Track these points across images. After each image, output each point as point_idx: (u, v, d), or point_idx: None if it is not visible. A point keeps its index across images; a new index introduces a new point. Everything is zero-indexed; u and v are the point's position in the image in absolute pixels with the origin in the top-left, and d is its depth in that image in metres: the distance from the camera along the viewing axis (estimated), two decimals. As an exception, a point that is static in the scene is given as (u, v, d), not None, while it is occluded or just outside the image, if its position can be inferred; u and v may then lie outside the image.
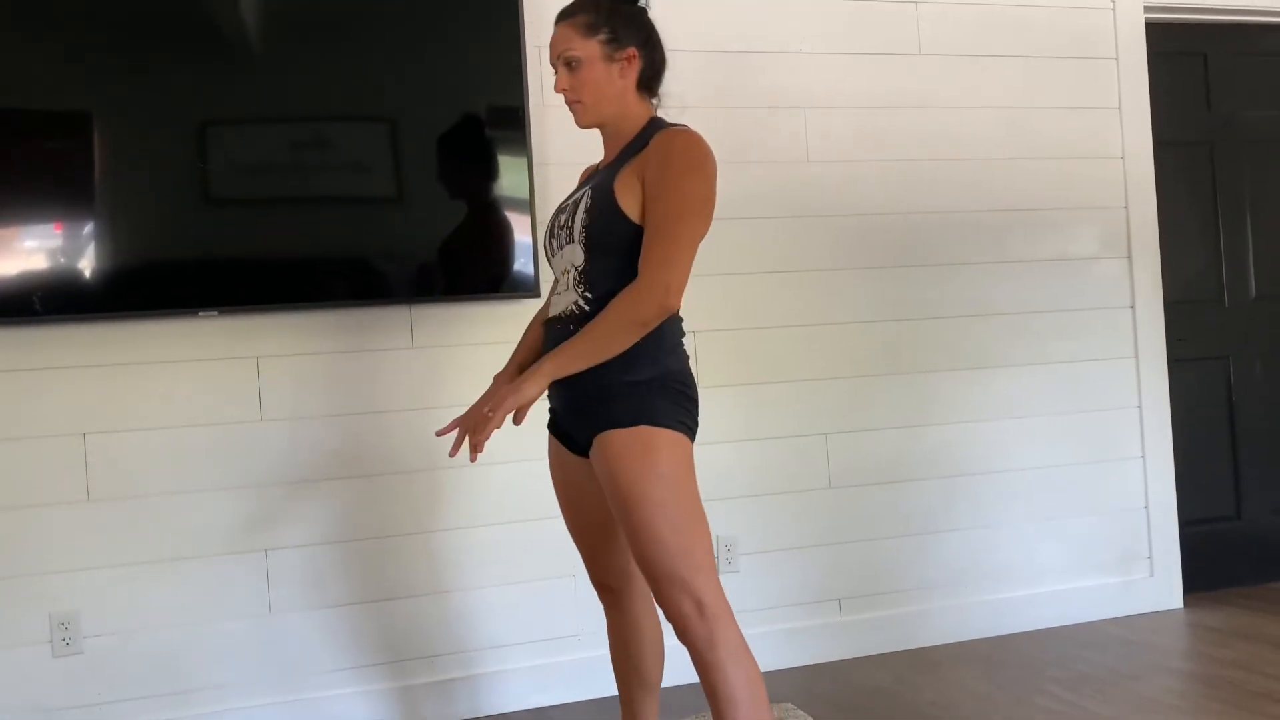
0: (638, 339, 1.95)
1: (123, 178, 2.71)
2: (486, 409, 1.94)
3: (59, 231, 2.67)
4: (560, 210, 2.15)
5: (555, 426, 2.21)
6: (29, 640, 2.71)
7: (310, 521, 2.91)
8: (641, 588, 2.28)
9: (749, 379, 3.27)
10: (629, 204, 1.99)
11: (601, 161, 2.20)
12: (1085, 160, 3.62)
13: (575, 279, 2.05)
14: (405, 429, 2.98)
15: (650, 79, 2.13)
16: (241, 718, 2.84)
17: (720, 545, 3.21)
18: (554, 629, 3.09)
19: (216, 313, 2.80)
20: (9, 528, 2.71)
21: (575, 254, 2.05)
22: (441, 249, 2.94)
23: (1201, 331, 3.85)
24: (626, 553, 2.24)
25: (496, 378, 2.23)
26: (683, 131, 2.04)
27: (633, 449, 1.96)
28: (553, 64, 2.12)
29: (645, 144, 2.04)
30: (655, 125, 2.10)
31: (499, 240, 2.98)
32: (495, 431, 1.92)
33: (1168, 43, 3.80)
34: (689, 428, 2.04)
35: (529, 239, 2.98)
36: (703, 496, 2.05)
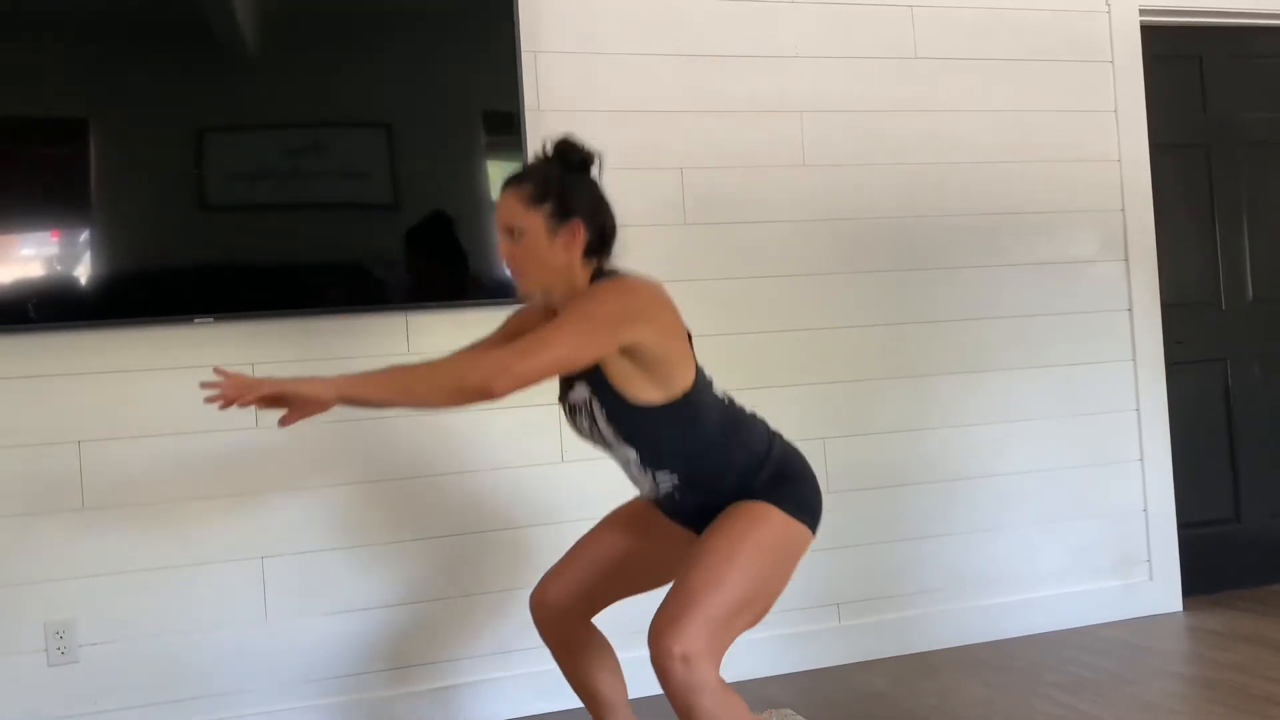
0: (447, 405, 1.90)
1: (119, 184, 2.71)
2: (269, 380, 1.87)
3: (55, 239, 2.67)
4: (573, 410, 2.10)
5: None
6: (24, 649, 2.70)
7: (306, 528, 2.91)
8: (588, 618, 2.31)
9: (746, 383, 3.26)
10: (628, 384, 1.98)
11: (545, 306, 2.16)
12: (1081, 163, 3.62)
13: (642, 468, 2.08)
14: (401, 435, 2.98)
15: (599, 247, 2.07)
16: (238, 726, 2.83)
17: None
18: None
19: (212, 319, 2.80)
20: (4, 536, 2.70)
21: (627, 452, 2.07)
22: (438, 255, 2.93)
23: (1199, 334, 3.85)
24: (610, 602, 2.30)
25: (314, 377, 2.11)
26: (615, 278, 2.01)
27: (751, 513, 2.00)
28: (497, 229, 2.08)
29: None
30: (597, 279, 2.06)
31: (495, 246, 2.97)
32: (260, 404, 1.86)
33: (1163, 45, 3.80)
34: (811, 521, 2.06)
35: (525, 244, 2.98)
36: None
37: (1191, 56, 3.87)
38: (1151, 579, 3.65)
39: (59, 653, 2.72)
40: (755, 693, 3.05)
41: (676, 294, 3.17)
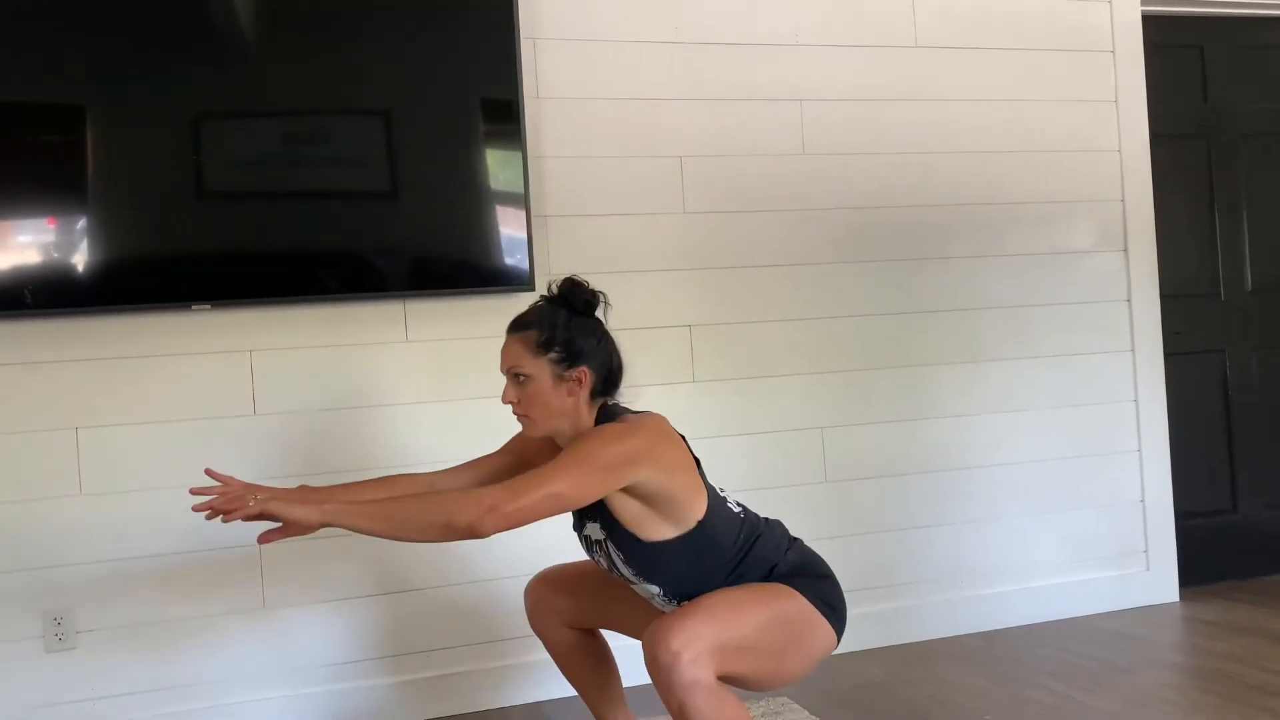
0: (433, 541, 1.89)
1: (116, 171, 2.70)
2: (255, 496, 1.92)
3: (52, 226, 2.66)
4: (589, 546, 2.11)
5: None
6: (22, 635, 2.71)
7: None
8: (577, 626, 2.32)
9: (745, 373, 3.26)
10: (639, 526, 1.97)
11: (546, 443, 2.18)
12: (1081, 153, 3.61)
13: (666, 600, 2.06)
14: (399, 422, 2.98)
15: (606, 388, 2.07)
16: (236, 713, 2.83)
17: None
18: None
19: (210, 306, 2.79)
20: (2, 522, 2.70)
21: (649, 588, 2.05)
22: (436, 243, 2.93)
23: (1197, 325, 3.85)
24: (599, 625, 2.31)
25: (303, 487, 2.13)
26: (619, 421, 1.99)
27: (774, 587, 1.99)
28: (502, 372, 2.07)
29: None
30: (602, 419, 2.05)
31: (494, 234, 2.97)
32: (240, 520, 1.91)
33: (1164, 35, 3.79)
34: (834, 618, 2.03)
35: (524, 233, 2.97)
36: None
37: (1192, 47, 3.86)
38: (1148, 569, 3.66)
39: (57, 639, 2.72)
40: (752, 681, 3.05)
41: (674, 283, 3.19)
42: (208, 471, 1.99)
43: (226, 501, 1.92)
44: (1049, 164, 3.58)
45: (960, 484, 3.47)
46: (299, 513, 1.88)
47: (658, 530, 1.97)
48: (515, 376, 2.02)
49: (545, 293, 2.09)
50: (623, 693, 2.37)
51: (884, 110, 3.41)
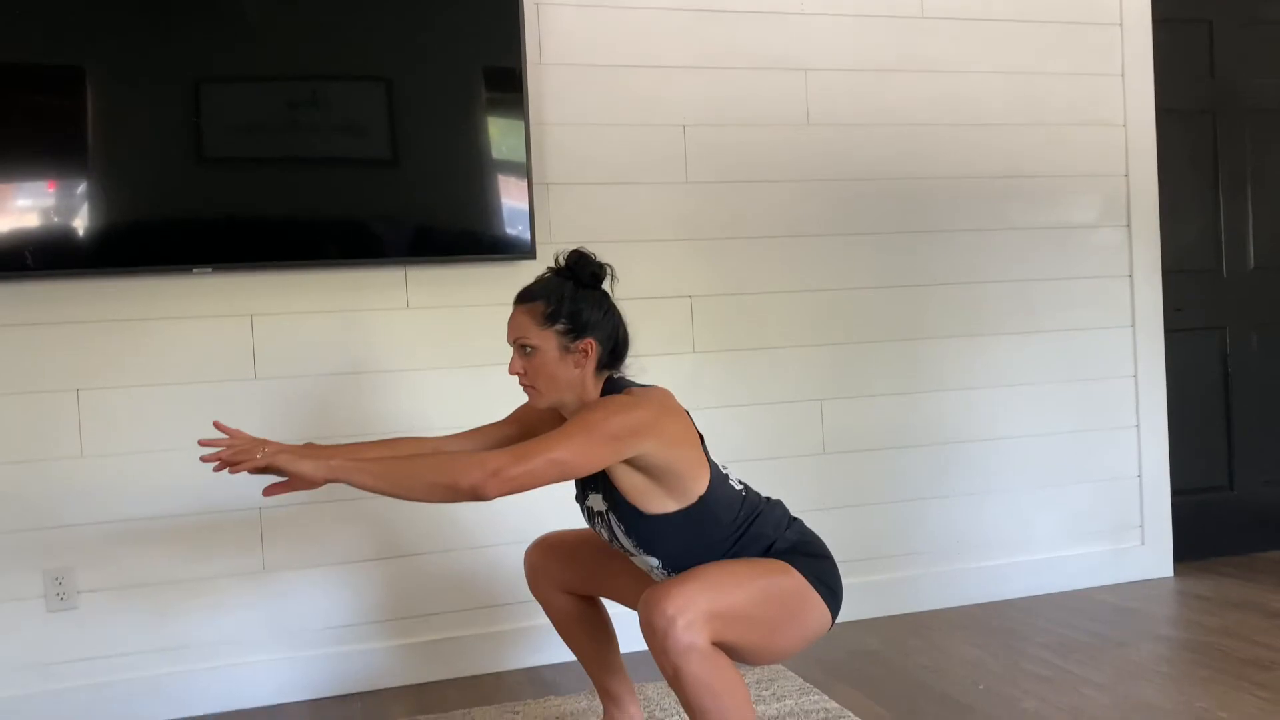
0: (437, 501, 1.88)
1: (117, 134, 2.69)
2: (263, 449, 1.93)
3: (52, 189, 2.66)
4: (591, 517, 2.12)
5: None
6: (23, 595, 2.73)
7: (304, 480, 2.91)
8: (575, 593, 2.33)
9: (745, 344, 3.26)
10: (642, 498, 1.98)
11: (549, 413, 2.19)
12: (1087, 127, 3.59)
13: (664, 573, 2.06)
14: (399, 389, 2.98)
15: (612, 361, 2.07)
16: (235, 674, 2.86)
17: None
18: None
19: (211, 270, 2.79)
20: (3, 483, 2.71)
21: (648, 559, 2.06)
22: (437, 210, 2.92)
23: (1199, 302, 3.84)
24: (598, 594, 2.32)
25: (310, 444, 2.12)
26: (625, 393, 2.00)
27: (770, 562, 1.99)
28: (509, 343, 2.07)
29: None
30: (609, 390, 2.06)
31: (495, 202, 2.96)
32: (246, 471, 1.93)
33: (1172, 9, 3.76)
34: (830, 597, 2.03)
35: (525, 202, 2.97)
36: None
37: (1201, 21, 3.84)
38: (1144, 544, 3.68)
39: (58, 599, 2.74)
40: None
41: (676, 252, 3.19)
42: (216, 424, 2.01)
43: (235, 453, 1.94)
44: (1054, 137, 3.56)
45: (959, 457, 3.48)
46: (305, 467, 1.90)
47: (659, 503, 1.98)
48: (522, 348, 2.03)
49: (552, 264, 2.09)
50: (621, 660, 2.39)
51: (889, 81, 3.39)
